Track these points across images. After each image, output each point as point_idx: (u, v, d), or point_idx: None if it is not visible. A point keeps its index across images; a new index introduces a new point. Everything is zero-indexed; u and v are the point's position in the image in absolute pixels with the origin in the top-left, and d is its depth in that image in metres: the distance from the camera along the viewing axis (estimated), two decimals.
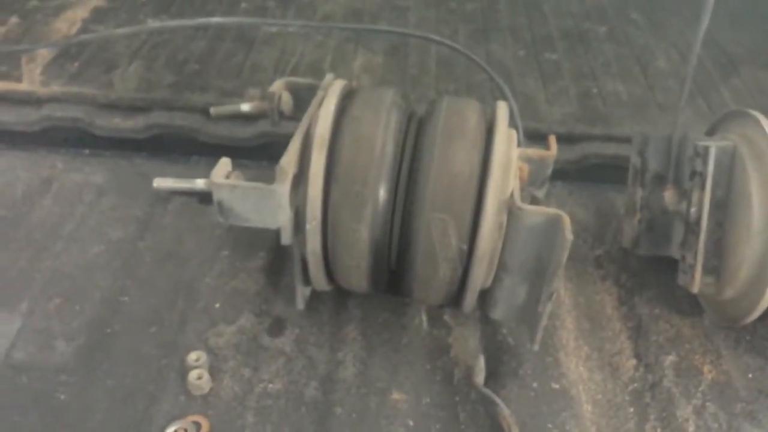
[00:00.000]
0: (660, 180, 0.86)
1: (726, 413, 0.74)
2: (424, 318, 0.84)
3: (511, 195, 0.69)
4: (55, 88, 1.14)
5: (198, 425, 0.71)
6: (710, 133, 0.85)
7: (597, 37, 1.39)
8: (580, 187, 1.07)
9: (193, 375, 0.74)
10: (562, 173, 1.05)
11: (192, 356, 0.76)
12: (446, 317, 0.84)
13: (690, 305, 0.85)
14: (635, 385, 0.77)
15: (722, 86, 1.26)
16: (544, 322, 0.69)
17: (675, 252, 0.84)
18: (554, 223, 0.66)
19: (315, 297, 0.84)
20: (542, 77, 1.26)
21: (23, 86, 1.15)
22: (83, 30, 1.32)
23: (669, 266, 0.86)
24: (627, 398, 0.76)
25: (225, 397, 0.74)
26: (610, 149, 1.10)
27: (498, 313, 0.74)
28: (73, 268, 0.88)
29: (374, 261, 0.71)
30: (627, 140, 1.12)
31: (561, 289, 0.87)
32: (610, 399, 0.76)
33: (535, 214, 0.67)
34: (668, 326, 0.83)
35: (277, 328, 0.82)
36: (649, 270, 0.90)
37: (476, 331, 0.82)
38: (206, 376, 0.75)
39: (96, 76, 1.18)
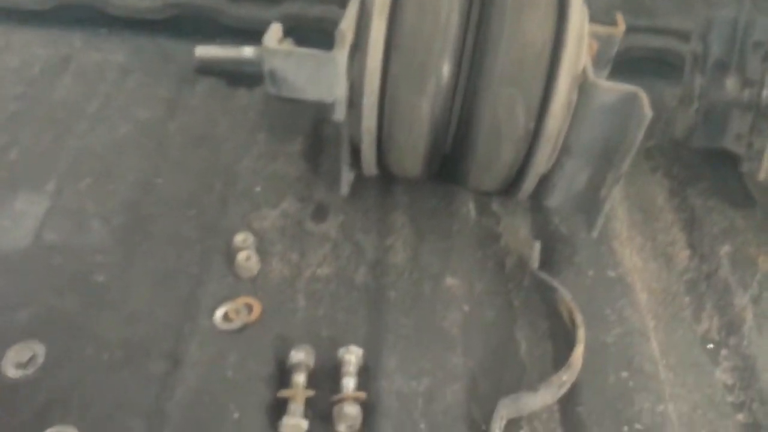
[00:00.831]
0: (722, 67, 0.81)
1: None
2: (472, 206, 0.81)
3: (584, 71, 0.65)
4: None
5: (249, 307, 0.69)
6: None
7: None
8: (626, 80, 1.02)
9: (241, 256, 0.71)
10: None
11: (239, 237, 0.73)
12: (494, 206, 0.81)
13: (743, 197, 0.83)
14: (690, 274, 0.76)
15: None
16: (607, 207, 0.67)
17: (731, 143, 0.81)
18: (630, 101, 0.62)
19: (358, 183, 0.80)
20: None
21: None
22: None
23: (721, 159, 0.84)
24: (682, 287, 0.75)
25: (274, 279, 0.72)
26: (655, 42, 1.05)
27: (554, 200, 0.72)
28: (102, 148, 0.84)
29: (433, 142, 0.68)
30: (672, 33, 1.08)
31: None
32: (665, 287, 0.75)
33: (610, 90, 0.63)
34: (722, 218, 0.81)
35: (321, 213, 0.79)
36: (701, 162, 0.87)
37: (526, 220, 0.80)
38: (255, 257, 0.72)
39: None
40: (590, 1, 1.12)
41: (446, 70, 0.65)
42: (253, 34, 0.93)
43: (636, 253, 0.78)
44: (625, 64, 1.04)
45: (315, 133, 0.88)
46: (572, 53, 0.63)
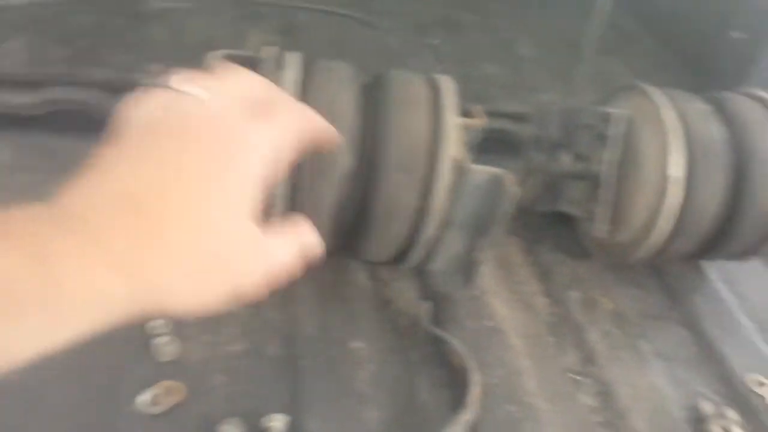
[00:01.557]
0: (557, 145, 1.00)
1: (624, 334, 0.89)
2: (364, 276, 0.91)
3: (460, 156, 0.79)
4: None
5: (173, 390, 0.72)
6: (603, 103, 1.00)
7: (470, 26, 1.53)
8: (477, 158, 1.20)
9: (160, 341, 0.75)
10: None
11: (157, 322, 0.77)
12: (383, 274, 0.92)
13: (582, 251, 1.01)
14: (550, 318, 0.91)
15: (574, 70, 1.46)
16: (477, 272, 0.80)
17: (567, 207, 0.99)
18: (498, 181, 0.77)
19: None
20: (427, 61, 1.37)
21: None
22: None
23: (561, 221, 1.01)
24: (545, 330, 0.89)
25: (193, 360, 0.76)
26: (494, 123, 1.24)
27: (437, 264, 0.84)
28: None
29: (337, 223, 0.77)
30: (506, 115, 1.28)
31: None
32: (532, 331, 0.88)
33: (481, 172, 0.77)
34: (568, 269, 0.98)
35: None
36: (546, 224, 1.04)
37: (412, 284, 0.91)
38: (172, 340, 0.76)
39: None
40: None
41: (350, 163, 0.75)
42: None
43: (505, 304, 0.92)
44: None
45: None
46: (450, 142, 0.76)
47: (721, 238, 0.87)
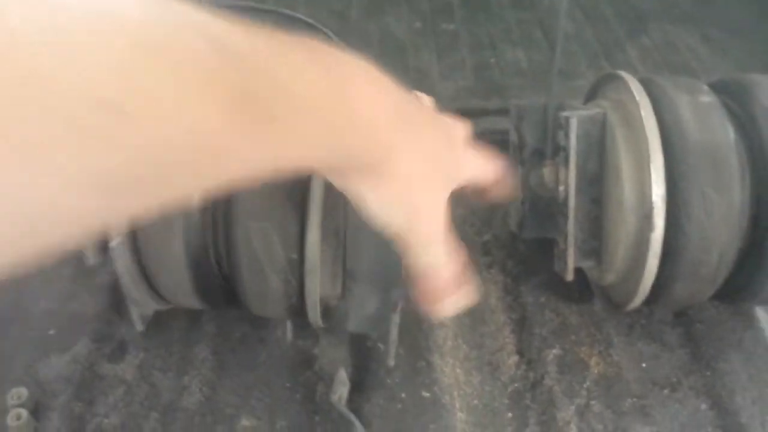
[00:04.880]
0: (539, 156, 0.78)
1: (613, 412, 0.66)
2: (289, 327, 0.75)
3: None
4: None
5: None
6: (588, 100, 0.77)
7: (499, 2, 1.30)
8: None
9: (11, 416, 0.65)
10: None
11: (11, 394, 0.67)
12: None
13: (579, 291, 0.78)
14: (516, 385, 0.70)
15: (629, 45, 1.19)
16: (394, 335, 0.61)
17: (557, 234, 0.76)
18: None
19: (168, 313, 0.75)
20: (438, 50, 1.17)
21: None
22: None
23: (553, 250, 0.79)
24: (506, 401, 0.68)
25: None
26: (505, 123, 1.02)
27: (350, 325, 0.66)
28: None
29: (197, 276, 0.62)
30: (494, 113, 1.05)
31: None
32: (487, 403, 0.68)
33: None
34: (554, 315, 0.76)
35: (119, 352, 0.73)
36: (537, 254, 0.82)
37: (345, 338, 0.74)
38: (25, 416, 0.65)
39: None
40: (441, 86, 1.11)
41: (194, 207, 0.60)
42: None
43: (459, 364, 0.72)
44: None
45: None
46: (322, 180, 0.59)
47: (746, 275, 0.62)
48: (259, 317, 0.75)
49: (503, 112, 1.03)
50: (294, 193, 0.59)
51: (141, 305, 0.70)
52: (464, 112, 1.06)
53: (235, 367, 0.71)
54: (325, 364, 0.72)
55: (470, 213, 0.89)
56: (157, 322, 0.74)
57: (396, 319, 0.62)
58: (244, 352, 0.73)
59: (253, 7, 1.31)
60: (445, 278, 0.44)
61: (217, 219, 0.62)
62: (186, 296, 0.65)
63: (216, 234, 0.62)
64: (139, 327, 0.72)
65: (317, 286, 0.61)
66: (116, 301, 0.78)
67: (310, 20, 0.96)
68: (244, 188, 0.58)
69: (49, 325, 0.75)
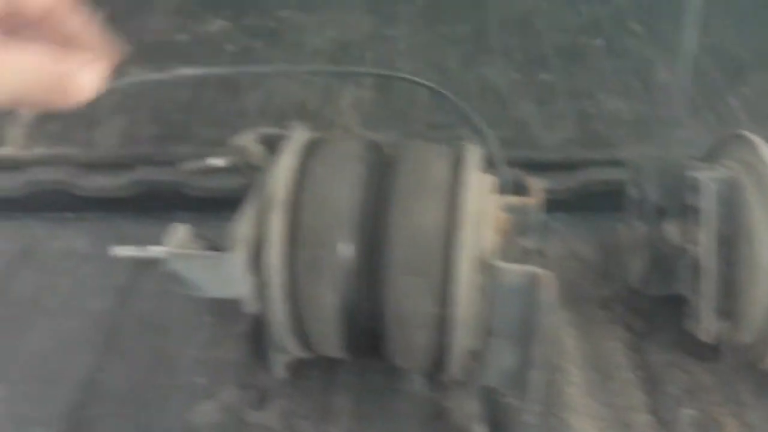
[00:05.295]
0: (661, 212, 0.79)
1: None
2: (419, 380, 0.78)
3: (488, 251, 0.64)
4: (38, 150, 1.12)
5: None
6: (708, 158, 0.78)
7: (594, 52, 1.33)
8: (584, 219, 1.01)
9: None
10: (563, 204, 0.99)
11: None
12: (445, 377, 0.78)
13: (708, 350, 0.78)
14: None
15: (729, 95, 1.19)
16: (533, 391, 0.64)
17: (686, 290, 0.78)
18: (532, 282, 0.61)
19: (305, 362, 0.79)
20: (536, 100, 1.20)
21: (5, 150, 1.12)
22: None
23: (680, 307, 0.80)
24: None
25: None
26: (613, 174, 1.04)
27: (489, 379, 0.69)
28: (52, 348, 0.84)
29: (346, 328, 0.66)
30: (609, 163, 1.06)
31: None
32: None
33: (511, 272, 0.61)
34: (685, 375, 0.77)
35: (261, 400, 0.77)
36: (661, 311, 0.83)
37: (479, 392, 0.76)
38: None
39: (78, 134, 1.15)
40: (543, 137, 1.13)
41: (347, 260, 0.64)
42: (214, 204, 0.97)
43: (592, 423, 0.73)
44: (583, 201, 1.03)
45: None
46: (469, 234, 0.62)
47: None
48: (392, 367, 0.79)
49: (611, 163, 1.06)
50: (439, 246, 0.62)
51: (286, 353, 0.73)
52: (570, 163, 1.10)
53: (373, 417, 0.74)
54: (459, 417, 0.75)
55: (586, 266, 0.92)
56: (295, 372, 0.78)
57: (535, 375, 0.64)
58: (381, 402, 0.76)
59: (355, 72, 1.37)
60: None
61: (370, 269, 0.65)
62: (334, 346, 0.69)
63: (367, 286, 0.65)
64: (280, 374, 0.76)
65: (463, 341, 0.64)
66: (257, 348, 0.83)
67: (413, 78, 1.01)
68: (391, 243, 0.62)
69: (196, 372, 0.80)
